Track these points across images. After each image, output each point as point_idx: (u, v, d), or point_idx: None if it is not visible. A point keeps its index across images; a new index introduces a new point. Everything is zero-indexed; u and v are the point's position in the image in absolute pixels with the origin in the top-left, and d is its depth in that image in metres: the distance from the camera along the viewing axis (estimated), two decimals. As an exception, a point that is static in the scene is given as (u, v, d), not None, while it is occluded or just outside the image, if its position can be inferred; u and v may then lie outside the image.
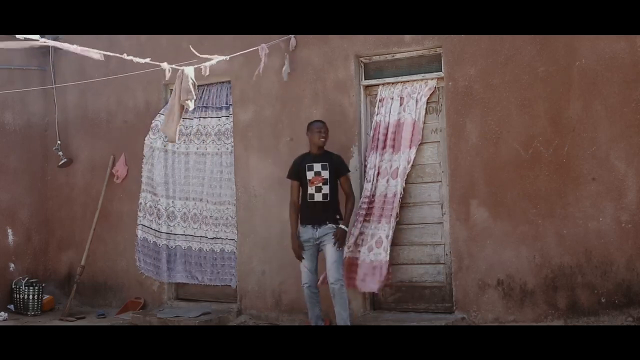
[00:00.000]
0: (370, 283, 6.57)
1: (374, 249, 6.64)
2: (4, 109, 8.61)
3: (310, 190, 6.25)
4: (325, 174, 6.25)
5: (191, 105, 6.53)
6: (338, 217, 6.24)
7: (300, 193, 6.34)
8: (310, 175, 6.26)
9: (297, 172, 6.36)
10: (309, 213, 6.26)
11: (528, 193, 6.08)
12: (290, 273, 6.79)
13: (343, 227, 6.19)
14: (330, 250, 6.12)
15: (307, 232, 6.25)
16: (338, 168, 6.32)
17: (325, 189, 6.23)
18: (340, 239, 6.14)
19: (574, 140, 5.94)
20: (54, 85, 8.61)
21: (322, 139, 6.35)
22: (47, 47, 8.84)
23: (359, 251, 6.65)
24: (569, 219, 5.93)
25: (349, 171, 6.43)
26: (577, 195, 5.91)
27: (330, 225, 6.17)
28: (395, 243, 6.73)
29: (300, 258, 6.28)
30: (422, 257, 6.66)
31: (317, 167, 6.28)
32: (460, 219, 6.35)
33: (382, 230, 6.61)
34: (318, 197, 6.23)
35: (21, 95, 8.54)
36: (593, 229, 5.85)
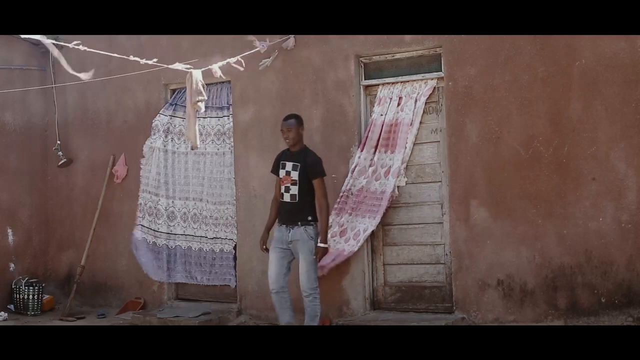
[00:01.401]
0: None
1: (350, 240, 6.66)
2: (4, 109, 8.61)
3: (281, 189, 6.12)
4: (295, 175, 6.02)
5: (202, 107, 6.53)
6: (310, 218, 6.04)
7: None
8: (281, 173, 6.12)
9: (275, 167, 6.25)
10: (281, 211, 6.14)
11: (528, 193, 6.08)
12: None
13: (323, 245, 5.98)
14: (302, 261, 5.97)
15: (280, 232, 6.10)
16: (309, 171, 6.04)
17: (294, 190, 6.03)
18: (319, 258, 6.03)
19: (574, 140, 5.94)
20: (53, 85, 8.61)
21: (287, 141, 6.15)
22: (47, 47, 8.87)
23: (343, 242, 6.72)
24: (569, 219, 5.93)
25: (323, 175, 6.14)
26: (577, 195, 5.91)
27: (302, 228, 5.98)
28: (395, 243, 6.75)
29: (262, 249, 6.19)
30: (422, 257, 6.66)
31: (289, 166, 6.08)
32: (460, 219, 6.35)
33: (361, 224, 6.63)
34: (286, 198, 6.07)
35: (21, 95, 8.55)
36: (593, 229, 5.85)
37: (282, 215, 6.13)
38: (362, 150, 6.78)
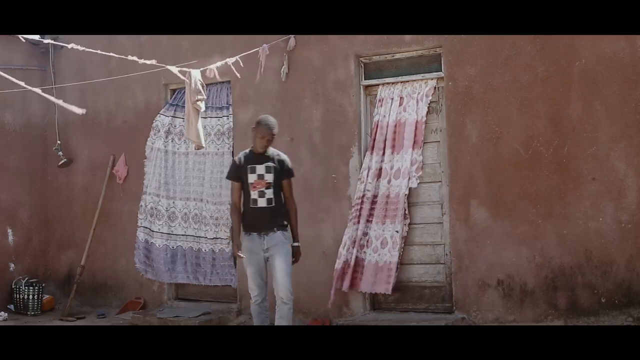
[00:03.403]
0: (377, 284, 6.59)
1: (379, 249, 6.64)
2: (4, 109, 8.61)
3: (253, 195, 5.60)
4: (269, 177, 5.60)
5: (202, 106, 6.55)
6: (285, 222, 5.68)
7: (243, 195, 5.71)
8: (252, 178, 5.61)
9: (237, 173, 5.71)
10: (253, 220, 5.62)
11: (528, 193, 6.08)
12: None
13: (298, 245, 5.68)
14: (283, 264, 5.54)
15: (252, 241, 5.61)
16: (283, 170, 5.69)
17: (269, 194, 5.59)
18: (297, 259, 5.68)
19: (574, 140, 5.94)
20: (53, 86, 8.60)
21: (265, 143, 5.67)
22: (47, 47, 8.88)
23: (364, 252, 6.67)
24: (569, 219, 5.93)
25: (293, 175, 5.81)
26: (577, 195, 5.91)
27: (279, 233, 5.59)
28: (395, 243, 6.74)
29: (238, 255, 5.64)
30: (422, 257, 6.66)
31: (260, 169, 5.62)
32: (460, 219, 6.35)
33: (386, 231, 6.61)
34: (262, 203, 5.58)
35: (21, 95, 8.54)
36: (593, 229, 5.85)
37: (252, 223, 5.64)
38: (371, 153, 6.76)
